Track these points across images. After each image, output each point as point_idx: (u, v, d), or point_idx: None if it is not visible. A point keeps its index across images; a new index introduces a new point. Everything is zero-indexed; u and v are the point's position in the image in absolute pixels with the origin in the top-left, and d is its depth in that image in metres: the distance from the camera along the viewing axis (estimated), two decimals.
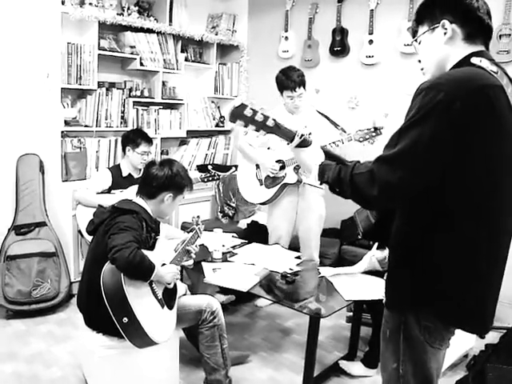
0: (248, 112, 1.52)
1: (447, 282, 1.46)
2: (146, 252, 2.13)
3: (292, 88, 3.50)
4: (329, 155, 1.65)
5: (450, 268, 1.45)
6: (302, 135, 1.60)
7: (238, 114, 1.53)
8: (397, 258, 1.59)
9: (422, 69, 1.61)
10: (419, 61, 1.61)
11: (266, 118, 1.54)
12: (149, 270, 2.08)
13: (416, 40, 1.60)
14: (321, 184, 1.59)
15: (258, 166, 3.81)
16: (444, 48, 1.50)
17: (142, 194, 2.48)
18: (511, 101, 1.42)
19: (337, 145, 3.17)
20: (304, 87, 3.56)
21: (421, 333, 1.52)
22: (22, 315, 3.52)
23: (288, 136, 1.61)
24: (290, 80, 3.49)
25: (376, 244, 2.95)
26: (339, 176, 1.49)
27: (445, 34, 1.49)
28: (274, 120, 1.55)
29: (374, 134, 3.16)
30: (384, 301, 1.63)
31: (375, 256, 2.95)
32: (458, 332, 1.58)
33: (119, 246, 2.02)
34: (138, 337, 2.08)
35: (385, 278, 2.64)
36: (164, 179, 2.45)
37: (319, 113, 3.64)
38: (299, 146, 1.64)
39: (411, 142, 1.35)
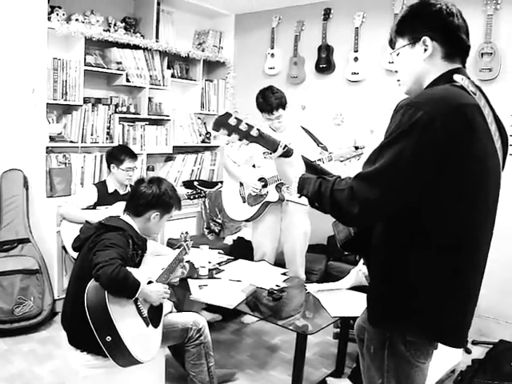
0: (232, 121, 1.52)
1: (427, 297, 1.46)
2: (131, 269, 2.10)
3: (269, 111, 3.51)
4: (310, 167, 1.65)
5: (428, 285, 1.45)
6: (286, 146, 1.60)
7: (221, 122, 1.53)
8: (377, 275, 1.59)
9: (398, 80, 1.62)
10: (396, 71, 1.62)
11: (250, 127, 1.54)
12: (133, 288, 2.05)
13: (394, 51, 1.60)
14: (300, 197, 1.58)
15: (241, 184, 3.82)
16: (423, 64, 1.51)
17: (129, 211, 2.46)
18: (488, 122, 1.43)
19: (318, 164, 3.17)
20: (283, 108, 3.56)
21: (406, 348, 1.52)
22: (4, 334, 3.44)
23: (271, 146, 1.61)
24: (267, 103, 3.50)
25: (362, 259, 2.94)
26: (320, 190, 1.48)
27: (425, 50, 1.49)
28: (258, 130, 1.56)
29: (354, 153, 3.16)
30: (367, 317, 1.63)
31: (361, 271, 2.95)
32: (445, 348, 1.58)
33: (103, 262, 1.99)
34: (122, 356, 2.05)
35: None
36: (151, 197, 2.43)
37: (303, 129, 3.65)
38: (282, 156, 1.63)
39: (389, 160, 1.35)
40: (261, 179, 3.66)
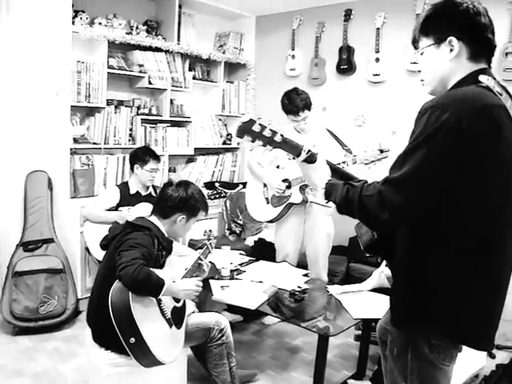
0: (256, 127, 1.52)
1: (448, 299, 1.45)
2: (156, 270, 2.11)
3: (295, 112, 3.51)
4: (335, 171, 1.65)
5: (448, 286, 1.45)
6: (309, 150, 1.60)
7: (245, 129, 1.53)
8: (399, 277, 1.59)
9: (422, 80, 1.60)
10: (419, 71, 1.61)
11: (274, 133, 1.54)
12: (157, 287, 2.07)
13: (418, 51, 1.57)
14: (327, 202, 1.58)
15: (265, 185, 3.82)
16: (448, 65, 1.48)
17: (156, 213, 2.48)
18: None
19: (342, 167, 3.15)
20: (309, 109, 3.56)
21: (430, 351, 1.51)
22: (29, 332, 3.50)
23: (295, 151, 1.61)
24: (292, 105, 3.50)
25: (385, 261, 2.93)
26: (347, 196, 1.48)
27: (451, 50, 1.47)
28: (282, 135, 1.55)
29: (379, 156, 3.14)
30: (390, 319, 1.62)
31: (384, 272, 2.93)
32: (468, 352, 1.57)
33: (125, 263, 2.01)
34: (145, 357, 2.06)
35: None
36: (178, 200, 2.45)
37: (329, 131, 3.65)
38: (306, 161, 1.63)
39: (417, 162, 1.35)
40: (285, 180, 3.66)
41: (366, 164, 3.11)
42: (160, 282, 2.06)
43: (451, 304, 1.45)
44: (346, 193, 1.48)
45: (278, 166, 3.81)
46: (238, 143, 5.31)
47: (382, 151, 3.12)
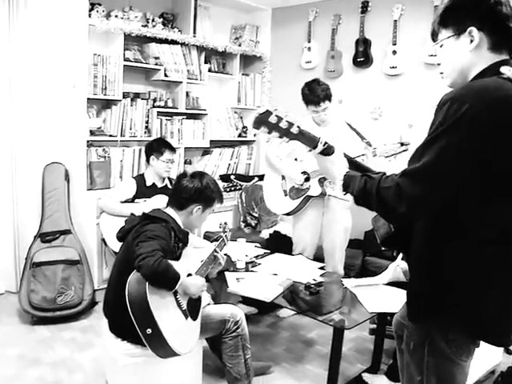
0: (273, 119, 1.50)
1: (466, 293, 1.44)
2: (172, 262, 2.13)
3: (316, 103, 3.48)
4: (352, 163, 1.64)
5: (466, 280, 1.43)
6: (326, 143, 1.59)
7: (262, 120, 1.51)
8: (417, 271, 1.57)
9: (441, 72, 1.58)
10: (439, 64, 1.58)
11: (290, 124, 1.52)
12: (174, 280, 2.08)
13: (437, 43, 1.55)
14: (345, 195, 1.57)
15: (283, 177, 3.81)
16: (469, 56, 1.46)
17: (172, 205, 2.50)
18: None
19: (362, 159, 3.13)
20: (329, 101, 3.54)
21: (447, 346, 1.50)
22: (47, 321, 3.55)
23: (311, 143, 1.60)
24: (314, 95, 3.47)
25: (401, 254, 2.91)
26: (365, 188, 1.46)
27: (471, 41, 1.44)
28: (299, 127, 1.53)
29: (399, 149, 3.10)
30: (407, 313, 1.61)
31: (400, 266, 2.92)
32: (485, 347, 1.56)
33: (145, 254, 2.03)
34: (161, 348, 2.08)
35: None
36: (193, 191, 2.46)
37: (348, 125, 3.62)
38: (322, 153, 1.62)
39: (436, 154, 1.33)
40: (303, 173, 3.65)
41: (386, 157, 3.08)
42: (177, 276, 2.07)
43: (469, 297, 1.44)
44: (363, 184, 1.47)
45: (296, 159, 3.79)
46: (255, 134, 5.30)
47: (402, 144, 3.08)
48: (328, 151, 1.62)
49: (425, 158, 1.35)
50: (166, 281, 2.08)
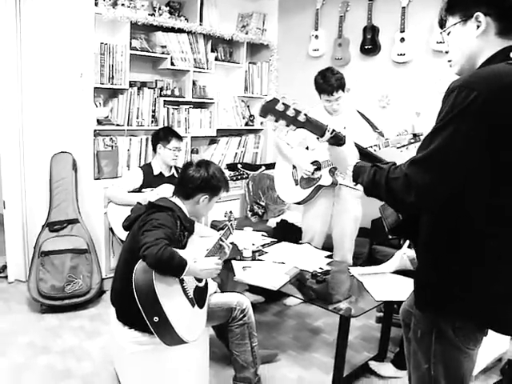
0: (280, 107, 1.49)
1: (473, 283, 1.44)
2: (178, 250, 2.13)
3: (329, 92, 3.44)
4: (364, 154, 1.63)
5: (473, 270, 1.43)
6: (333, 130, 1.58)
7: (269, 108, 1.51)
8: (424, 260, 1.57)
9: (449, 60, 1.57)
10: (446, 52, 1.56)
11: (297, 112, 1.51)
12: (180, 267, 2.09)
13: (445, 30, 1.54)
14: (355, 185, 1.57)
15: (294, 166, 3.80)
16: (476, 42, 1.44)
17: (178, 194, 2.50)
18: None
19: (374, 150, 3.10)
20: (343, 90, 3.50)
21: (455, 334, 1.50)
22: (55, 310, 3.59)
23: (319, 131, 1.58)
24: (327, 84, 3.43)
25: (407, 242, 2.91)
26: (374, 179, 1.46)
27: (478, 27, 1.43)
28: (306, 115, 1.52)
29: (412, 140, 3.06)
30: (414, 302, 1.61)
31: (406, 254, 2.91)
32: (492, 335, 1.55)
33: (149, 243, 2.04)
34: (169, 336, 2.09)
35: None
36: (200, 181, 2.46)
37: (360, 113, 3.59)
38: (334, 144, 1.62)
39: (443, 142, 1.32)
40: (314, 162, 3.64)
41: (398, 148, 3.05)
42: (183, 262, 2.08)
43: (476, 289, 1.43)
44: (373, 175, 1.47)
45: (307, 148, 3.78)
46: (262, 123, 5.28)
47: (415, 135, 3.04)
48: (337, 140, 1.61)
49: (433, 145, 1.34)
50: (172, 268, 2.08)
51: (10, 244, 4.06)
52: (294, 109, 1.50)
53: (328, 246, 3.81)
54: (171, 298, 2.10)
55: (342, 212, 3.73)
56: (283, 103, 1.49)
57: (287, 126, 1.53)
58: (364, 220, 4.30)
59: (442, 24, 1.56)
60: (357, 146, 1.65)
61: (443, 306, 1.49)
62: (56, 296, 3.57)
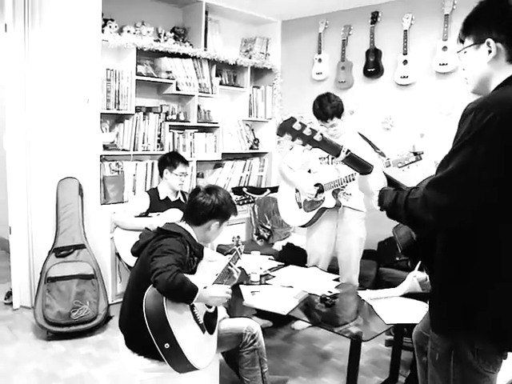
0: (297, 126, 1.51)
1: (494, 304, 1.42)
2: (188, 276, 2.12)
3: (324, 119, 3.48)
4: (391, 182, 1.65)
5: (494, 292, 1.42)
6: (348, 150, 1.59)
7: (286, 127, 1.52)
8: (441, 281, 1.55)
9: (466, 78, 1.60)
10: (463, 69, 1.59)
11: (314, 132, 1.53)
12: (191, 293, 2.08)
13: (460, 51, 1.57)
14: (381, 210, 1.58)
15: (297, 190, 3.81)
16: (487, 66, 1.47)
17: (188, 221, 2.48)
18: None
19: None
20: (339, 117, 3.52)
21: (474, 357, 1.47)
22: (62, 337, 3.55)
23: (334, 151, 1.60)
24: (322, 111, 3.47)
25: (418, 265, 2.89)
26: (396, 202, 1.48)
27: (489, 52, 1.45)
28: (322, 134, 1.54)
29: (413, 159, 3.08)
30: (431, 325, 1.59)
31: (416, 277, 2.89)
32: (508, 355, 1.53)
33: (160, 268, 2.02)
34: (180, 362, 2.07)
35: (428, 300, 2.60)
36: (211, 208, 2.44)
37: (361, 135, 3.61)
38: (364, 173, 1.65)
39: (462, 162, 1.33)
40: (316, 185, 3.64)
41: (399, 167, 3.06)
42: (193, 289, 2.07)
43: (499, 309, 1.42)
44: (394, 198, 1.49)
45: (309, 171, 3.79)
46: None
47: (415, 154, 3.06)
48: (367, 171, 1.64)
49: (450, 167, 1.35)
50: (183, 295, 2.07)
51: (16, 270, 4.04)
52: (311, 128, 1.52)
53: (333, 268, 3.78)
54: (182, 325, 2.08)
55: (347, 233, 3.71)
56: (300, 122, 1.51)
57: (303, 145, 1.54)
58: (371, 242, 4.29)
59: (460, 42, 1.58)
60: (385, 174, 1.67)
61: (461, 327, 1.48)
62: (62, 322, 3.53)
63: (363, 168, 1.65)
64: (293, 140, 1.54)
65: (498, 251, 1.41)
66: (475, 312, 1.44)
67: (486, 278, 1.42)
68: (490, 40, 1.45)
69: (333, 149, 1.59)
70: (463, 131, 1.36)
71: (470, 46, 1.51)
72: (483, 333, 1.44)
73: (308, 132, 1.52)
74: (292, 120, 1.51)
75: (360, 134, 3.64)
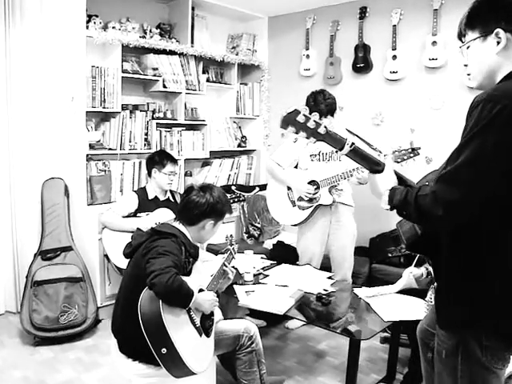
0: (301, 118, 1.46)
1: (502, 299, 1.40)
2: (184, 278, 2.05)
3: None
4: (401, 180, 1.62)
5: (502, 287, 1.39)
6: (353, 143, 1.55)
7: (290, 119, 1.47)
8: (447, 277, 1.52)
9: (468, 74, 1.56)
10: (465, 65, 1.55)
11: (318, 124, 1.48)
12: (188, 297, 2.01)
13: (464, 45, 1.53)
14: (390, 209, 1.53)
15: (289, 187, 3.74)
16: (496, 58, 1.44)
17: (182, 221, 2.41)
18: None
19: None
20: (332, 115, 3.49)
21: (482, 354, 1.44)
22: (50, 342, 3.45)
23: (338, 144, 1.55)
24: (316, 108, 3.41)
25: (415, 261, 2.86)
26: (406, 199, 1.45)
27: (498, 43, 1.42)
28: (326, 127, 1.50)
29: (411, 154, 3.07)
30: (437, 321, 1.56)
31: (412, 273, 2.86)
32: None
33: (158, 270, 1.95)
34: (177, 367, 2.00)
35: (429, 296, 2.57)
36: (206, 206, 2.37)
37: (349, 131, 3.56)
38: (374, 170, 1.60)
39: (471, 155, 1.31)
40: (311, 182, 3.58)
41: (398, 162, 3.04)
42: (190, 293, 2.01)
43: (503, 303, 1.40)
44: (404, 195, 1.46)
45: (295, 166, 3.74)
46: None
47: (413, 149, 3.05)
48: (378, 170, 1.60)
49: (459, 160, 1.33)
50: (180, 298, 2.00)
51: (1, 274, 3.92)
52: (315, 121, 1.47)
53: (324, 265, 3.73)
54: (179, 328, 2.01)
55: (340, 230, 3.68)
56: (304, 115, 1.46)
57: (307, 138, 1.50)
58: (362, 239, 4.26)
59: (461, 37, 1.54)
60: (396, 172, 1.63)
61: (469, 323, 1.45)
62: (50, 327, 3.43)
63: (370, 163, 1.60)
64: (296, 133, 1.49)
65: (504, 245, 1.39)
66: (482, 308, 1.42)
67: (493, 273, 1.40)
68: (499, 30, 1.41)
69: (337, 142, 1.54)
70: (471, 124, 1.33)
71: (475, 38, 1.47)
72: (491, 329, 1.42)
73: (312, 125, 1.48)
74: (296, 112, 1.47)
75: (348, 131, 3.59)
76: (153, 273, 1.95)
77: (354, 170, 3.27)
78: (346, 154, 1.56)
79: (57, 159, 3.94)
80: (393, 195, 1.52)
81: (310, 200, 3.59)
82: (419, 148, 3.03)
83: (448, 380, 1.54)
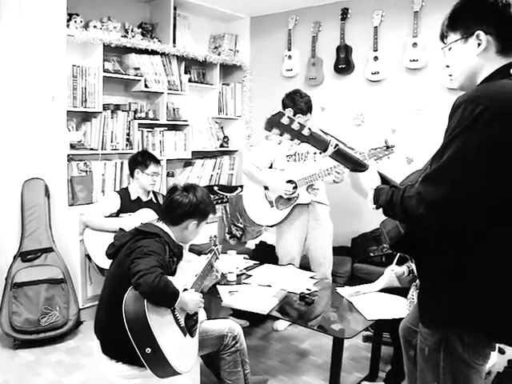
0: (285, 120, 1.46)
1: (485, 297, 1.42)
2: (169, 278, 2.05)
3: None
4: (386, 181, 1.63)
5: (484, 285, 1.41)
6: (337, 145, 1.55)
7: (274, 121, 1.47)
8: (430, 275, 1.54)
9: (450, 75, 1.58)
10: (447, 66, 1.57)
11: (302, 126, 1.48)
12: (173, 296, 2.01)
13: (445, 46, 1.55)
14: (376, 208, 1.54)
15: (266, 188, 3.75)
16: (476, 59, 1.46)
17: (165, 221, 2.40)
18: None
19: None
20: (311, 113, 3.52)
21: (464, 350, 1.47)
22: (30, 345, 3.40)
23: (322, 145, 1.55)
24: (297, 107, 3.42)
25: (395, 259, 2.89)
26: (392, 199, 1.46)
27: (479, 45, 1.44)
28: (310, 129, 1.50)
29: (386, 152, 3.13)
30: (420, 319, 1.58)
31: (394, 271, 2.89)
32: None
33: (143, 270, 1.94)
34: (162, 367, 1.99)
35: (410, 294, 2.59)
36: (189, 206, 2.36)
37: (323, 132, 3.57)
38: (356, 170, 1.61)
39: (453, 154, 1.33)
40: (289, 182, 3.60)
41: (375, 160, 3.09)
42: (176, 292, 2.00)
43: (489, 302, 1.42)
44: (390, 195, 1.47)
45: (270, 167, 3.75)
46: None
47: (388, 147, 3.11)
48: (362, 169, 1.60)
49: (442, 160, 1.35)
50: (166, 298, 2.00)
51: None
52: (299, 122, 1.47)
53: (303, 265, 3.75)
54: (164, 328, 2.01)
55: (318, 228, 3.72)
56: (288, 116, 1.46)
57: (291, 139, 1.49)
58: (344, 239, 4.30)
59: (443, 39, 1.56)
60: (379, 172, 1.64)
61: (451, 321, 1.47)
62: (31, 330, 3.39)
63: (354, 164, 1.61)
64: (281, 135, 1.49)
65: (488, 245, 1.40)
66: (465, 306, 1.44)
67: (476, 272, 1.42)
68: (479, 32, 1.43)
69: (321, 143, 1.54)
70: (454, 124, 1.35)
71: (457, 40, 1.49)
72: (472, 326, 1.45)
73: (296, 126, 1.48)
74: (280, 114, 1.46)
75: (322, 131, 3.60)
76: (138, 273, 1.94)
77: (331, 168, 3.30)
78: (329, 156, 1.56)
79: (37, 159, 3.89)
80: (378, 194, 1.53)
81: (289, 199, 3.61)
82: (393, 146, 3.09)
83: (430, 376, 1.56)
